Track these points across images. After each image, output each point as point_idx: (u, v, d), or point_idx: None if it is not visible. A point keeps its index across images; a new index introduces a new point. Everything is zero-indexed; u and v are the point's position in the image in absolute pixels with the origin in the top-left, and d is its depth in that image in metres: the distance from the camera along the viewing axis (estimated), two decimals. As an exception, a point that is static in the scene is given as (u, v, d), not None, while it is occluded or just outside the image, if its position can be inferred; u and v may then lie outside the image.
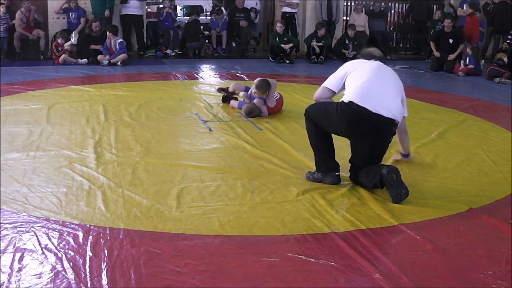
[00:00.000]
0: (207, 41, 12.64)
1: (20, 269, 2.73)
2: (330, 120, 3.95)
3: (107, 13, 11.31)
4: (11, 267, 2.74)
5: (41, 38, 11.03)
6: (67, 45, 10.48)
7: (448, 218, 3.52)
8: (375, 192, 3.91)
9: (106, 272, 2.70)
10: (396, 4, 14.49)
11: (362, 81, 3.93)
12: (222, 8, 13.27)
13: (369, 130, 3.85)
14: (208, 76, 9.85)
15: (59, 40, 10.50)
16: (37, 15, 10.98)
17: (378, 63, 4.11)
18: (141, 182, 4.02)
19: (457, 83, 9.94)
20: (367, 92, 3.88)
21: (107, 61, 10.41)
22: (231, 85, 7.16)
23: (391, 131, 3.95)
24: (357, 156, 4.01)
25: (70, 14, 11.27)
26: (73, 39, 10.51)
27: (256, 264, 2.85)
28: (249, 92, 6.55)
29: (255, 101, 6.38)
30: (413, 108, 7.25)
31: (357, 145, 3.99)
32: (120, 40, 10.67)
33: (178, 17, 13.42)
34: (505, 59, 10.11)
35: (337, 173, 4.06)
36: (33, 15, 10.93)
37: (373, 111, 3.80)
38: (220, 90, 7.23)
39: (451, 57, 10.96)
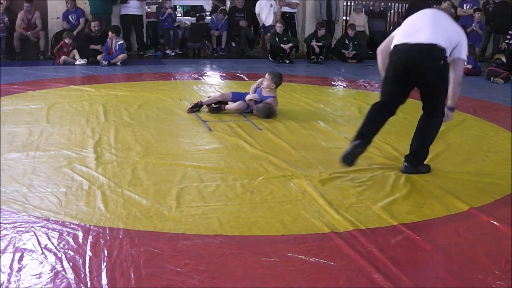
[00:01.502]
0: (206, 41, 12.64)
1: (20, 269, 2.73)
2: (389, 75, 4.23)
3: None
4: (11, 267, 2.74)
5: (41, 38, 11.03)
6: (77, 62, 10.47)
7: (448, 218, 3.52)
8: (375, 192, 3.92)
9: (106, 272, 2.71)
10: (396, 4, 14.50)
11: (406, 24, 4.29)
12: (225, 8, 13.28)
13: (414, 60, 4.06)
14: (208, 76, 9.85)
15: (66, 41, 10.49)
16: (38, 21, 10.95)
17: (432, 9, 4.36)
18: (141, 182, 4.02)
19: (457, 83, 9.91)
20: (407, 31, 4.20)
21: (107, 61, 10.41)
22: (217, 95, 6.69)
23: (435, 55, 4.05)
24: (422, 100, 4.26)
25: (69, 16, 11.23)
26: (80, 62, 10.46)
27: (256, 264, 2.85)
28: (256, 91, 6.40)
29: (269, 100, 6.25)
30: (413, 108, 7.23)
31: (418, 87, 4.20)
32: (121, 41, 10.65)
33: (178, 17, 13.42)
34: (503, 59, 10.12)
35: (358, 142, 4.06)
36: (35, 18, 10.92)
37: (412, 42, 4.08)
38: (190, 110, 6.34)
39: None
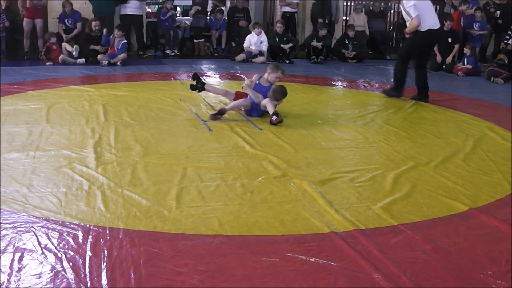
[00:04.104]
0: (206, 44, 12.65)
1: (20, 269, 2.73)
2: (419, 47, 7.44)
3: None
4: (11, 267, 2.74)
5: (40, 38, 11.03)
6: (72, 54, 10.47)
7: (448, 218, 3.52)
8: (375, 192, 3.92)
9: (106, 272, 2.70)
10: (396, 4, 14.47)
11: (428, 13, 7.26)
12: (223, 8, 13.28)
13: (436, 41, 7.79)
14: (208, 76, 9.85)
15: (51, 40, 10.47)
16: None
17: None
18: (141, 182, 4.02)
19: (457, 83, 9.94)
20: (432, 20, 7.27)
21: (107, 61, 10.41)
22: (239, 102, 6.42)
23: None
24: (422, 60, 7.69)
25: (66, 20, 11.20)
26: (74, 52, 10.48)
27: (255, 264, 2.85)
28: (256, 86, 6.32)
29: (273, 87, 6.22)
30: (413, 107, 7.26)
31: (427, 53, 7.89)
32: (125, 41, 10.66)
33: (177, 17, 13.45)
34: (506, 60, 10.12)
35: (397, 95, 7.63)
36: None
37: (436, 27, 7.31)
38: (213, 117, 6.02)
39: (449, 59, 10.99)
